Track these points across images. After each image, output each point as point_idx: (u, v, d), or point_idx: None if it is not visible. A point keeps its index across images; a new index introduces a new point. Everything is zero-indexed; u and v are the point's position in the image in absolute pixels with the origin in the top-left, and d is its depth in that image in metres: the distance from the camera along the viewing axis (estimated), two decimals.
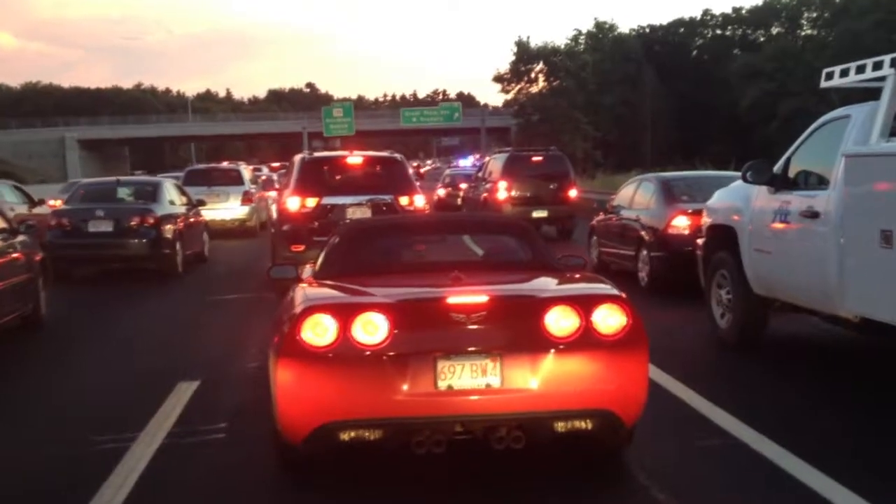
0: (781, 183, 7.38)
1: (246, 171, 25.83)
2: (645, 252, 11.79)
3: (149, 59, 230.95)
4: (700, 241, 8.94)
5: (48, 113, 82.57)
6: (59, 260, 13.30)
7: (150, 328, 10.14)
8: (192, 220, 16.11)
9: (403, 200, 12.04)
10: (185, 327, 10.11)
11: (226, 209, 22.43)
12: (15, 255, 9.44)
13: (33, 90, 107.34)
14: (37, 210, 17.48)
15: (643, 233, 11.93)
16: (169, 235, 14.40)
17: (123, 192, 16.04)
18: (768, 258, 7.44)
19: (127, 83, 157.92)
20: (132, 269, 14.57)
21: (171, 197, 15.75)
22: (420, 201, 12.30)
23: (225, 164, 30.01)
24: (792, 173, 7.37)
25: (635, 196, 12.88)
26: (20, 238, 9.80)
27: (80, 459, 5.29)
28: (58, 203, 17.06)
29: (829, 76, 7.32)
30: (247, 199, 23.03)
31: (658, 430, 5.41)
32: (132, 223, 14.14)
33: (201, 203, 17.63)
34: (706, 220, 8.88)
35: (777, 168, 7.50)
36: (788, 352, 8.07)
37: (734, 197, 8.31)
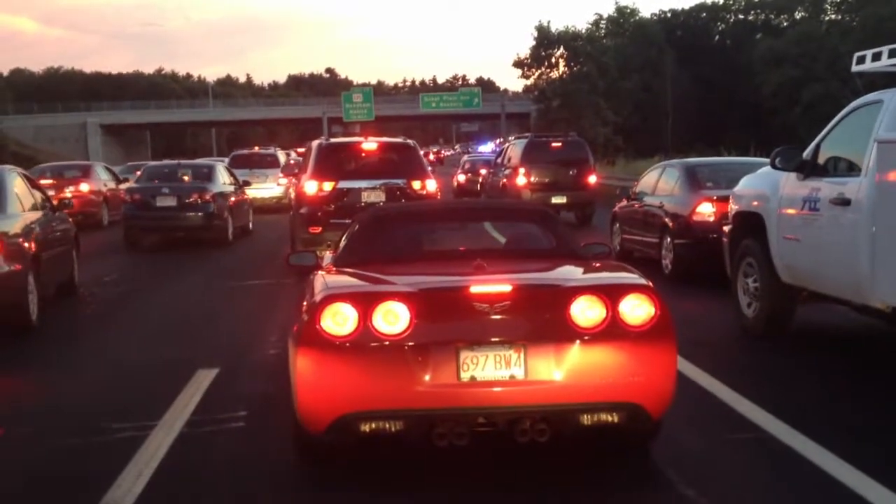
0: (811, 169, 7.21)
1: (281, 155, 29.41)
2: (669, 239, 11.63)
3: (169, 45, 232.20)
4: (726, 229, 8.78)
5: (70, 98, 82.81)
6: (131, 229, 16.92)
7: (176, 310, 10.20)
8: (239, 197, 18.57)
9: (416, 184, 12.30)
10: (208, 312, 10.07)
11: (265, 188, 25.35)
12: (56, 227, 10.53)
13: (55, 75, 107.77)
14: (122, 187, 20.75)
15: (667, 220, 11.77)
16: (222, 210, 16.89)
17: (183, 173, 18.53)
18: (797, 246, 7.28)
19: (148, 68, 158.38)
20: (189, 239, 16.74)
21: (223, 178, 18.24)
22: (432, 186, 12.50)
23: (257, 148, 32.54)
24: (822, 160, 7.20)
25: (659, 182, 12.71)
26: (58, 213, 10.88)
27: (99, 447, 5.27)
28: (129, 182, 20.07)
29: (861, 60, 7.15)
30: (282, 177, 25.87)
31: (685, 423, 5.30)
32: (192, 199, 16.62)
33: (247, 183, 20.22)
34: (733, 207, 8.71)
35: (806, 154, 7.32)
36: (817, 342, 7.91)
37: (762, 183, 8.14)
